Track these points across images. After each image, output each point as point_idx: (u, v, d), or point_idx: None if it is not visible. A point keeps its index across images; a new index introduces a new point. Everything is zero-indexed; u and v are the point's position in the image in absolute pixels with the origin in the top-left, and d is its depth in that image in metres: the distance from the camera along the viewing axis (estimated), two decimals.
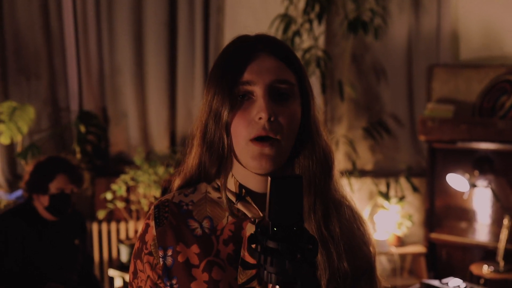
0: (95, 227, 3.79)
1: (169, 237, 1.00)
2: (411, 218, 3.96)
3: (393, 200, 3.93)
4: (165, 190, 2.39)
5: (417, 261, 3.99)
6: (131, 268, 1.05)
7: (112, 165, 4.06)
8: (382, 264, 4.19)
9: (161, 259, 0.99)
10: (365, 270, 1.06)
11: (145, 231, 1.03)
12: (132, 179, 3.57)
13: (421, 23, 4.16)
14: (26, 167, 2.53)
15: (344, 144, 4.06)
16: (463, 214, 3.84)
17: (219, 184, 1.03)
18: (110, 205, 3.54)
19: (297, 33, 3.63)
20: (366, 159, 4.27)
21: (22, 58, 3.94)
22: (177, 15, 4.09)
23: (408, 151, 4.28)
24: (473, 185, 3.43)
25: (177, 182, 1.08)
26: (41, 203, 2.42)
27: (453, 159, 3.78)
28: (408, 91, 4.26)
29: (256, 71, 0.95)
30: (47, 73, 3.96)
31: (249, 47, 0.98)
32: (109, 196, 3.52)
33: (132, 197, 3.69)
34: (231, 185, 1.01)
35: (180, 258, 0.98)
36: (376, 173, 4.21)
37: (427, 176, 3.89)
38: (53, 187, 2.41)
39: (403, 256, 4.11)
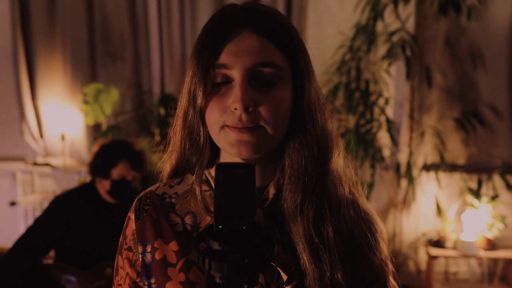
0: None
1: (149, 232, 0.91)
2: (504, 220, 3.57)
3: (484, 198, 3.57)
4: None
5: (510, 268, 3.61)
6: (115, 264, 0.98)
7: None
8: (471, 267, 3.85)
9: (140, 256, 0.91)
10: (373, 281, 0.90)
11: (126, 224, 0.95)
12: None
13: None
14: (92, 148, 2.57)
15: (432, 135, 3.75)
16: None
17: (207, 175, 0.93)
18: None
19: (381, 14, 3.38)
20: (457, 153, 3.91)
21: (109, 42, 4.09)
22: None
23: (506, 145, 3.86)
24: None
25: (166, 169, 0.99)
26: (103, 186, 2.46)
27: None
28: (509, 79, 3.83)
29: (234, 52, 0.81)
30: (132, 56, 4.08)
31: (229, 22, 0.83)
32: None
33: None
34: None
35: (157, 255, 0.89)
36: (468, 168, 3.85)
37: None
38: (115, 173, 2.42)
39: (494, 261, 3.73)
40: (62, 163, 4.05)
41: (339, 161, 0.91)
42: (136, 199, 0.96)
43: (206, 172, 0.93)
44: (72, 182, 3.97)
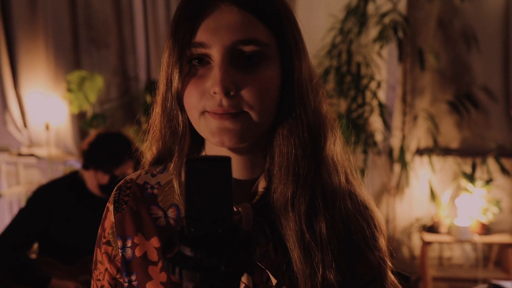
0: None
1: (128, 226, 0.83)
2: (498, 204, 3.51)
3: (479, 182, 3.51)
4: None
5: (505, 252, 3.56)
6: (94, 257, 0.90)
7: None
8: (465, 252, 3.81)
9: (120, 251, 0.83)
10: (370, 280, 0.83)
11: (105, 216, 0.87)
12: None
13: None
14: (88, 138, 2.45)
15: (425, 119, 3.68)
16: None
17: None
18: None
19: None
20: (451, 136, 3.85)
21: (92, 28, 3.96)
22: None
23: (500, 128, 3.79)
24: None
25: (147, 158, 0.90)
26: (98, 179, 2.34)
27: None
28: (504, 61, 3.76)
29: (212, 29, 0.72)
30: (116, 42, 3.96)
31: None
32: None
33: None
34: None
35: (137, 252, 0.81)
36: (462, 152, 3.79)
37: None
38: (119, 171, 2.31)
39: (488, 246, 3.69)
40: (47, 153, 3.94)
41: (336, 148, 0.83)
42: (115, 189, 0.87)
43: None
44: (58, 172, 3.87)
